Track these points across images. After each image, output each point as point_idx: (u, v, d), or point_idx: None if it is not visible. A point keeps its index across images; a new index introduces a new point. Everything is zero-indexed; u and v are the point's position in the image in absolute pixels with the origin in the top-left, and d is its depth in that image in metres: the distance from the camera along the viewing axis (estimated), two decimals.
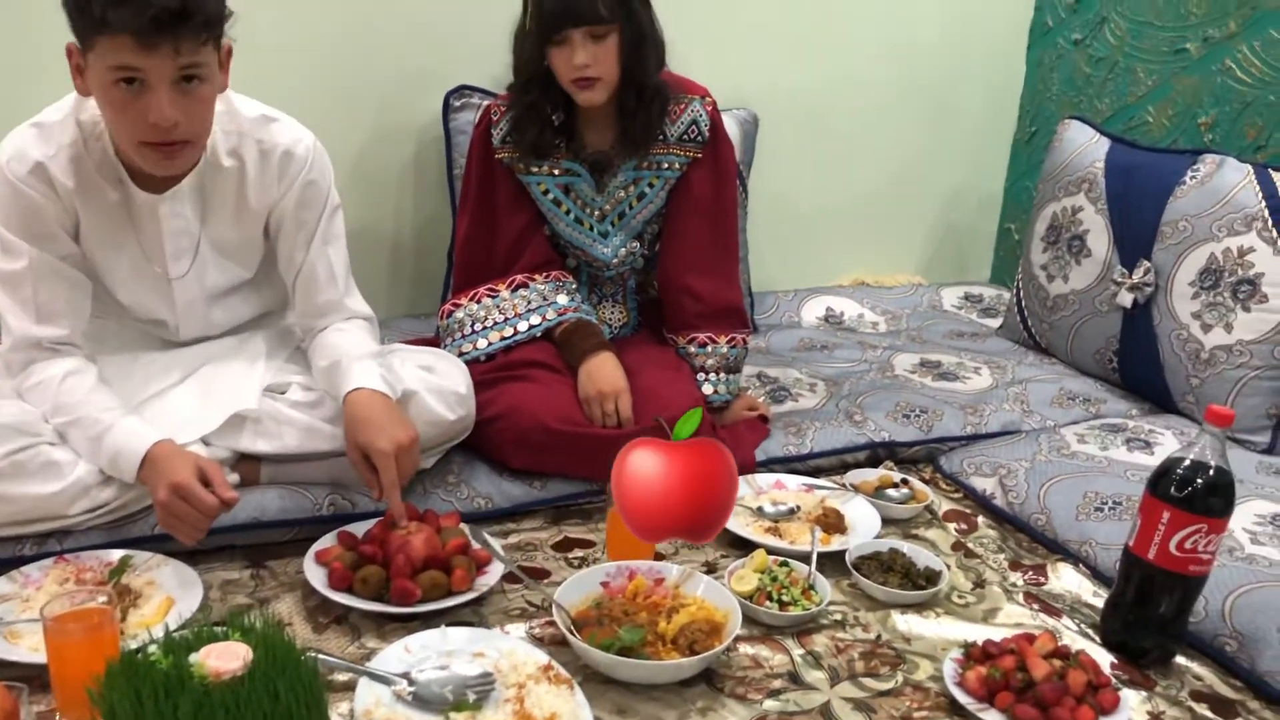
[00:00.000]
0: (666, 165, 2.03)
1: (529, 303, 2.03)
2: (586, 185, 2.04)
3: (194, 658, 1.15)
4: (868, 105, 2.91)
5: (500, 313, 2.03)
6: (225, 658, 1.15)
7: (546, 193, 2.05)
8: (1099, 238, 2.40)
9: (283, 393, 1.78)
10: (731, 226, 2.11)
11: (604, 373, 1.92)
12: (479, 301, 2.05)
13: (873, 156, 2.97)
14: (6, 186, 1.57)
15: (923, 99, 2.97)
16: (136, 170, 1.61)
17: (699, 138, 2.02)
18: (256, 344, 1.84)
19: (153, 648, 1.17)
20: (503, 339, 2.01)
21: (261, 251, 1.80)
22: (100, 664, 1.18)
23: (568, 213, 2.06)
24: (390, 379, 1.71)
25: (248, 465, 1.74)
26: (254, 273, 1.82)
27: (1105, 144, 2.47)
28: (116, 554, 1.58)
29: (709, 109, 2.02)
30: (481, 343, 2.01)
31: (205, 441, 1.69)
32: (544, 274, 2.05)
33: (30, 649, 1.37)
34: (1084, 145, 2.50)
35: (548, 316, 2.02)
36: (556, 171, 2.03)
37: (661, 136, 2.00)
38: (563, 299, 2.03)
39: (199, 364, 1.78)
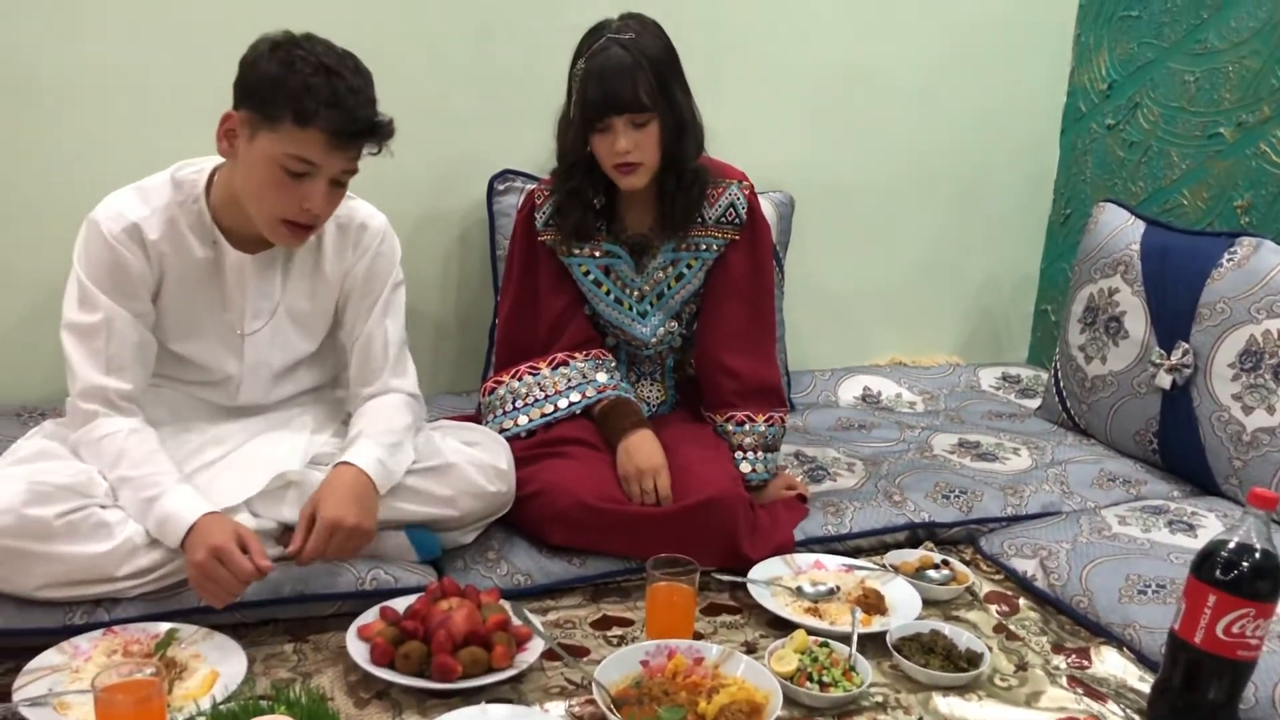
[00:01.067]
0: (705, 247, 2.07)
1: (569, 380, 2.06)
2: (626, 266, 2.08)
3: None
4: (903, 188, 2.95)
5: (541, 390, 2.06)
6: None
7: (587, 274, 2.09)
8: (1136, 319, 2.40)
9: (326, 464, 1.81)
10: (768, 306, 2.14)
11: (643, 450, 1.94)
12: (520, 379, 2.08)
13: (908, 238, 3.01)
14: (99, 242, 1.67)
15: (958, 182, 3.01)
16: (229, 231, 1.73)
17: (737, 220, 2.06)
18: (306, 418, 1.89)
19: None
20: (543, 415, 2.04)
21: (329, 323, 1.88)
22: None
23: (608, 293, 2.09)
24: (387, 463, 1.74)
25: (291, 537, 1.76)
26: (318, 345, 1.89)
27: (1141, 226, 2.48)
28: (163, 627, 1.60)
29: (746, 193, 2.07)
30: (522, 419, 2.04)
31: (253, 513, 1.72)
32: (584, 352, 2.08)
33: None
34: (1119, 227, 2.52)
35: (587, 394, 2.04)
36: (597, 254, 2.07)
37: (700, 219, 2.04)
38: (602, 377, 2.06)
39: (250, 436, 1.82)
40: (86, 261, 1.68)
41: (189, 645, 1.57)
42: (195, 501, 1.60)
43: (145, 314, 1.72)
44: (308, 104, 1.55)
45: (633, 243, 2.08)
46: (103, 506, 1.62)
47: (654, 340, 2.13)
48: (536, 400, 2.06)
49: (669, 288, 2.09)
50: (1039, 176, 3.10)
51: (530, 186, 2.18)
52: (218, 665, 1.53)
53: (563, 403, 2.04)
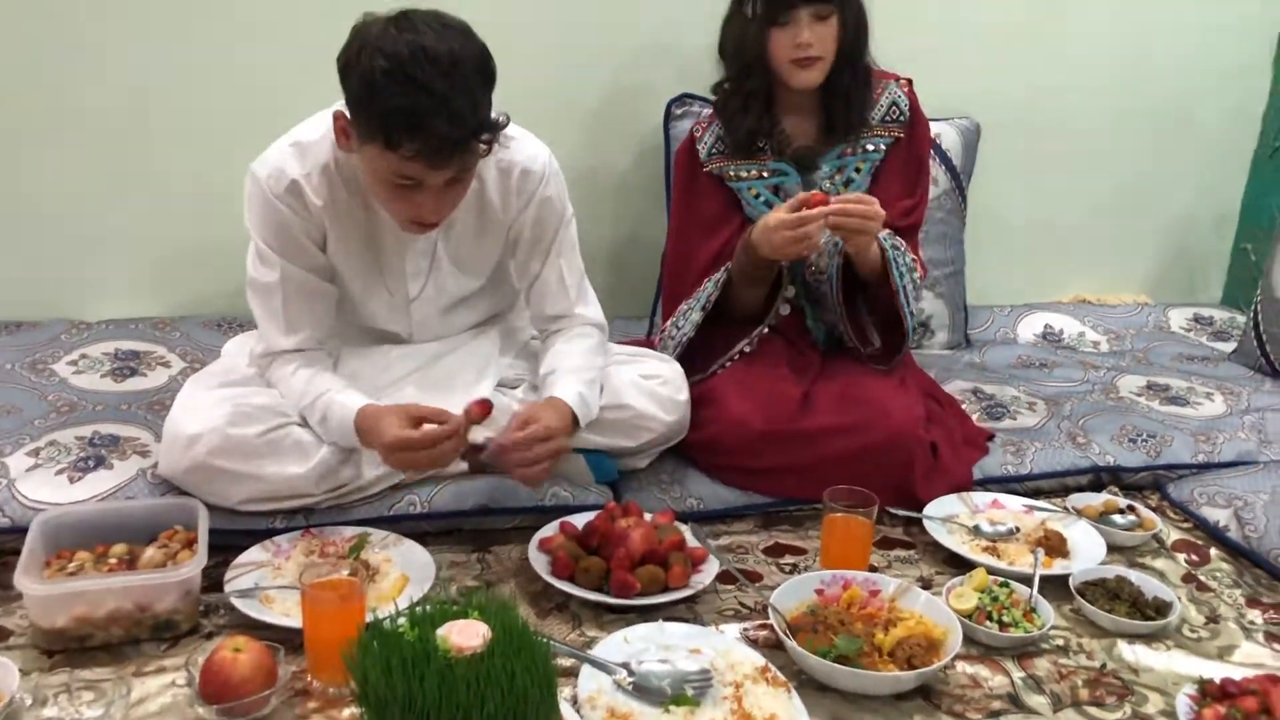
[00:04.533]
0: (872, 148, 2.05)
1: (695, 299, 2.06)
2: (794, 183, 2.05)
3: (439, 632, 1.21)
4: (1097, 116, 2.81)
5: (676, 328, 2.08)
6: (467, 635, 1.20)
7: (758, 196, 2.06)
8: None
9: (514, 388, 1.86)
10: (923, 203, 2.10)
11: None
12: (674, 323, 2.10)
13: (1100, 169, 2.87)
14: (264, 203, 1.68)
15: (1156, 110, 2.85)
16: None
17: (900, 118, 2.05)
18: (488, 344, 1.92)
19: (401, 620, 1.24)
20: (675, 345, 2.05)
21: (496, 261, 1.87)
22: (351, 631, 1.25)
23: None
24: (589, 400, 1.76)
25: (477, 455, 1.81)
26: (486, 280, 1.90)
27: None
28: (355, 531, 1.68)
29: (905, 90, 2.06)
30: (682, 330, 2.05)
31: None
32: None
33: (283, 613, 1.48)
34: None
35: (704, 295, 2.04)
36: (765, 174, 2.05)
37: (863, 121, 2.02)
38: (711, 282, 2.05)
39: (435, 358, 1.86)
40: (255, 219, 1.70)
41: (380, 549, 1.65)
42: (346, 400, 1.66)
43: (319, 267, 1.74)
44: (393, 130, 1.46)
45: (798, 157, 2.05)
46: (300, 425, 1.70)
47: (826, 245, 2.07)
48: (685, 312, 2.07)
49: (839, 193, 2.04)
50: (1247, 105, 2.91)
51: (707, 110, 2.16)
52: (407, 570, 1.60)
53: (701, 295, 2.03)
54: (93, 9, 2.21)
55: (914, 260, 2.01)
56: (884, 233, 1.95)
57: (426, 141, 1.47)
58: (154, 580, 1.44)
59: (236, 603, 1.49)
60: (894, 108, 2.05)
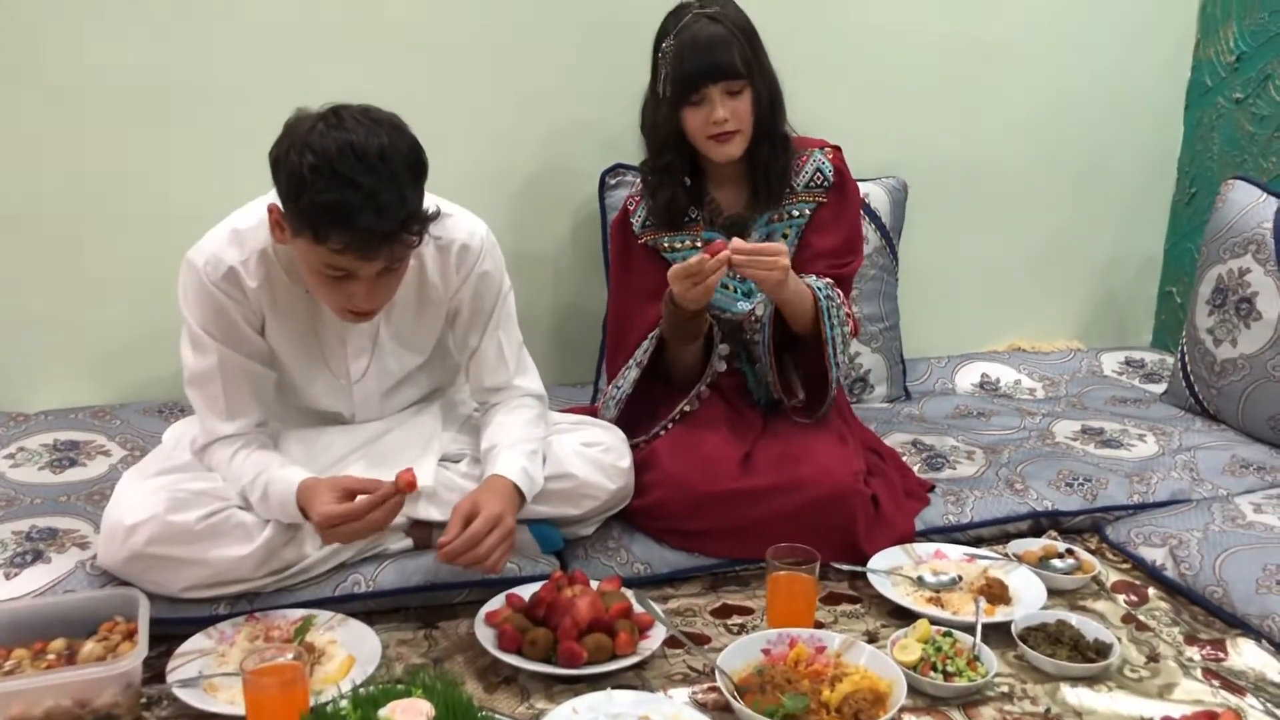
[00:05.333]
0: (797, 214, 2.08)
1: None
2: None
3: (381, 714, 1.21)
4: (1021, 169, 2.89)
5: (616, 387, 2.10)
6: (410, 714, 1.21)
7: None
8: (1270, 300, 2.32)
9: (456, 462, 1.86)
10: (857, 255, 2.13)
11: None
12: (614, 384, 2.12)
13: (1026, 220, 2.95)
14: (200, 290, 1.68)
15: (1077, 162, 2.94)
16: None
17: (824, 183, 2.08)
18: (429, 419, 1.92)
19: (343, 703, 1.23)
20: (615, 402, 2.07)
21: (437, 337, 1.89)
22: (294, 717, 1.25)
23: None
24: (532, 473, 1.76)
25: (421, 531, 1.82)
26: (427, 356, 1.91)
27: (1273, 204, 2.39)
28: (300, 613, 1.66)
29: (830, 157, 2.09)
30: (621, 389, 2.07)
31: None
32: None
33: (228, 701, 1.46)
34: (1250, 205, 2.43)
35: (638, 357, 2.06)
36: (698, 244, 2.07)
37: (789, 188, 2.06)
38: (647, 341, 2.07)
39: (378, 436, 1.87)
40: (192, 306, 1.69)
41: (326, 630, 1.64)
42: (288, 474, 1.67)
43: (257, 351, 1.75)
44: (321, 224, 1.48)
45: (728, 224, 2.09)
46: (240, 508, 1.69)
47: (753, 307, 2.10)
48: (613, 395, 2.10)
49: None
50: (1162, 155, 3.01)
51: (626, 194, 2.21)
52: (353, 650, 1.59)
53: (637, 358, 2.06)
54: (32, 96, 2.23)
55: (846, 315, 2.04)
56: (822, 282, 1.99)
57: (355, 234, 1.49)
58: (93, 675, 1.42)
59: (179, 693, 1.47)
60: (818, 174, 2.08)
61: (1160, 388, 2.74)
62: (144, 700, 1.49)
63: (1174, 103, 2.97)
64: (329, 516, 1.60)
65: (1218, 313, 2.45)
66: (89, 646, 1.51)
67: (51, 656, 1.50)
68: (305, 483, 1.65)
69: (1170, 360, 2.81)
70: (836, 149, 2.12)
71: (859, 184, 2.20)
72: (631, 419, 2.07)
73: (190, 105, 2.30)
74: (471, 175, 2.35)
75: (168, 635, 1.60)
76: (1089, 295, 3.09)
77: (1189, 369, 2.56)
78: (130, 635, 1.54)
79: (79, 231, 2.32)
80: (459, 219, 1.81)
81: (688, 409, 2.05)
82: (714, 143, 1.97)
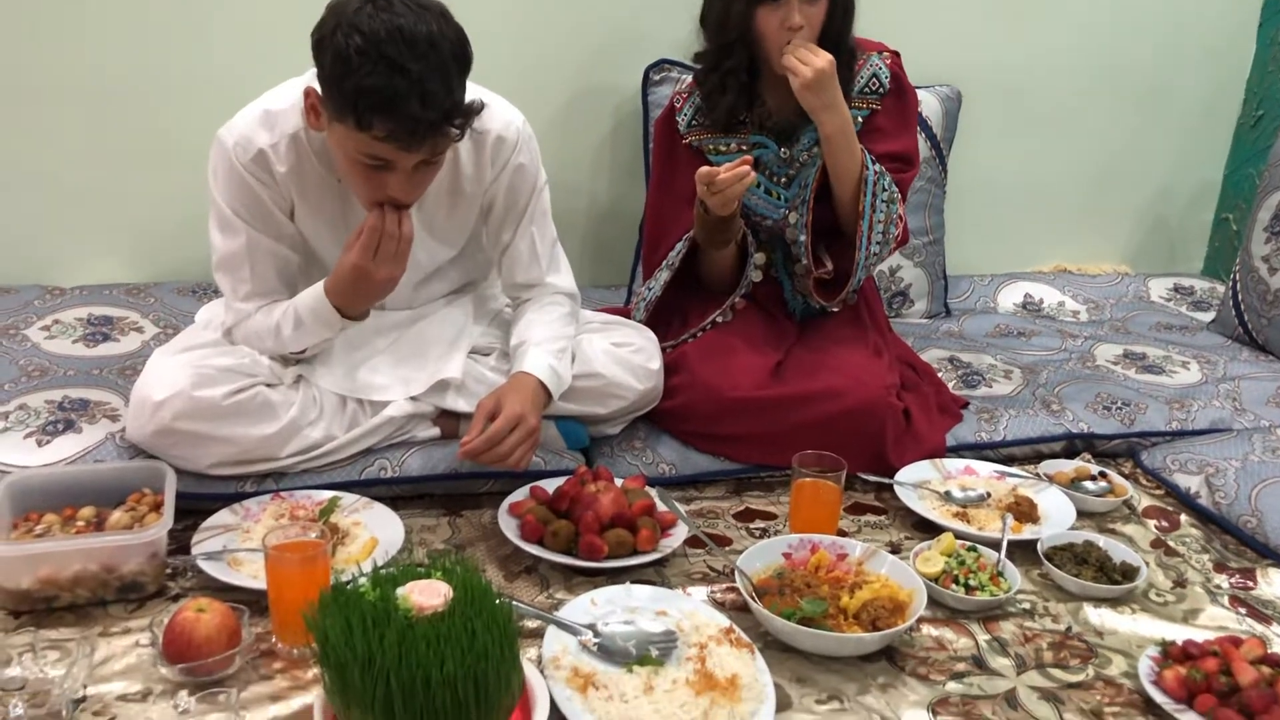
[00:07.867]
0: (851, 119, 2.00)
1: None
2: (774, 155, 2.03)
3: (400, 592, 1.21)
4: (1080, 84, 2.80)
5: (648, 288, 2.07)
6: (428, 594, 1.20)
7: None
8: None
9: (486, 355, 1.85)
10: (911, 171, 2.06)
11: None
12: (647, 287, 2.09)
13: (1082, 139, 2.86)
14: (230, 170, 1.66)
15: (1138, 79, 2.84)
16: None
17: (880, 89, 2.02)
18: (460, 313, 1.91)
19: (362, 580, 1.24)
20: (644, 302, 2.06)
21: (470, 229, 1.86)
22: (314, 593, 1.25)
23: (758, 185, 2.04)
24: (559, 371, 1.75)
25: (448, 421, 1.82)
26: (459, 250, 1.88)
27: None
28: (326, 494, 1.68)
29: (888, 62, 2.03)
30: (653, 291, 2.05)
31: (412, 398, 1.77)
32: None
33: (250, 575, 1.48)
34: None
35: (671, 260, 2.04)
36: (745, 147, 2.02)
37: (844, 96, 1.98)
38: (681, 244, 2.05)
39: (407, 326, 1.86)
40: (221, 186, 1.67)
41: (350, 513, 1.65)
42: (313, 289, 1.67)
43: (285, 235, 1.73)
44: (365, 110, 1.43)
45: (778, 129, 2.03)
46: (268, 385, 1.69)
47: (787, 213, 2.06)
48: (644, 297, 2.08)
49: (817, 165, 2.02)
50: (1230, 74, 2.90)
51: (687, 78, 2.14)
52: (377, 533, 1.60)
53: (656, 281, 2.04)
54: None
55: (899, 214, 1.99)
56: (878, 166, 1.94)
57: (399, 123, 1.44)
58: (120, 542, 1.44)
59: (203, 565, 1.49)
60: (874, 79, 2.01)
61: (1208, 316, 2.68)
62: (169, 570, 1.51)
63: (1247, 19, 2.85)
64: (358, 251, 1.59)
65: (1275, 240, 2.38)
66: (116, 515, 1.53)
67: (80, 523, 1.53)
68: (327, 281, 1.66)
69: (1221, 289, 2.74)
70: (895, 54, 2.05)
71: None
72: (662, 322, 2.05)
73: None
74: (510, 68, 2.29)
75: (193, 510, 1.62)
76: (1140, 219, 3.01)
77: (1240, 298, 2.49)
78: (157, 507, 1.55)
79: (118, 110, 2.30)
80: (495, 109, 1.75)
81: (720, 320, 2.02)
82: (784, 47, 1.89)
